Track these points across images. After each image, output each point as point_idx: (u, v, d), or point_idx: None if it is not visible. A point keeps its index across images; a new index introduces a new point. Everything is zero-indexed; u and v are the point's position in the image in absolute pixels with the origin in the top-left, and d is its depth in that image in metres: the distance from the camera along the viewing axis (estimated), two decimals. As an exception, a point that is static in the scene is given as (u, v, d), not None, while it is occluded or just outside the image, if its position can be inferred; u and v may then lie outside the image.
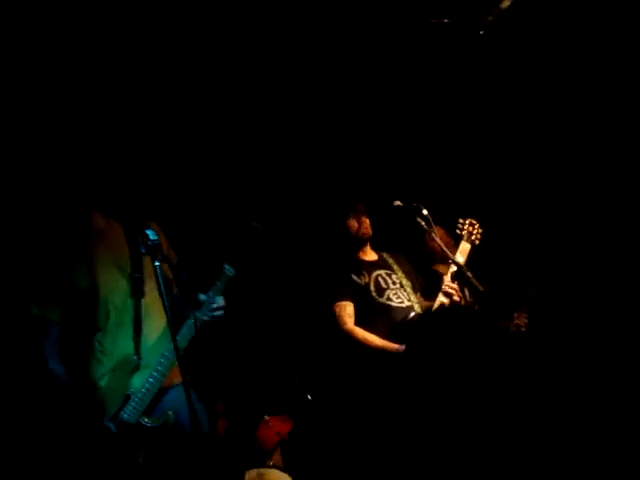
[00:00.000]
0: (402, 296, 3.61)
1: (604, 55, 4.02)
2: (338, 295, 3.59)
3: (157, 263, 2.44)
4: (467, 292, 3.85)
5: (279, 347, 4.43)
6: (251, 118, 4.32)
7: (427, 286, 3.77)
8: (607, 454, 3.72)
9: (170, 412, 2.70)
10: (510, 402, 3.54)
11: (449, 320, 3.46)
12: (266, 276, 4.28)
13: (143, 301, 2.77)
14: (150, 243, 2.44)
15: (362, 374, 3.47)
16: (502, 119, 4.50)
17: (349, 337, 3.50)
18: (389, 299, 3.58)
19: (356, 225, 3.70)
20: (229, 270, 2.84)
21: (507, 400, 3.52)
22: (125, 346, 2.73)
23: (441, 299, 3.49)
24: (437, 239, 3.60)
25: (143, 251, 2.56)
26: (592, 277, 4.27)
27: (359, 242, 3.72)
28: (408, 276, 3.73)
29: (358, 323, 3.54)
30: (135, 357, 2.72)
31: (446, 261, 3.69)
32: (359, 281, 3.61)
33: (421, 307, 3.60)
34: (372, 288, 3.60)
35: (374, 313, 3.55)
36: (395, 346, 3.44)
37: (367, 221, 3.70)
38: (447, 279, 3.54)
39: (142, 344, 2.74)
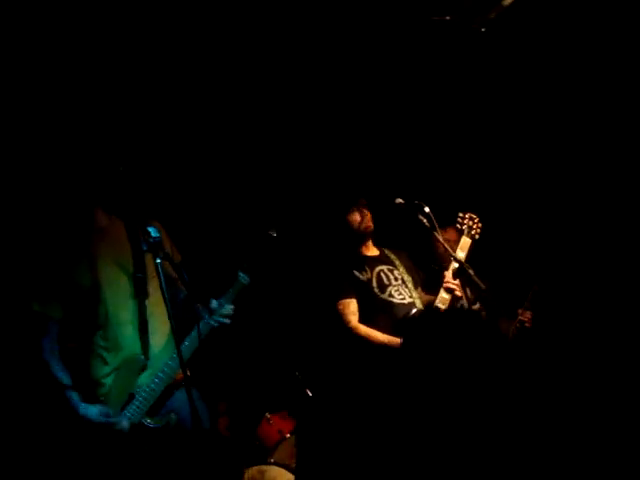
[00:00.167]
0: (404, 292, 3.61)
1: (606, 52, 4.01)
2: (341, 293, 3.58)
3: (158, 260, 2.44)
4: (468, 290, 3.85)
5: (281, 345, 4.43)
6: (251, 118, 4.32)
7: (428, 282, 3.76)
8: (610, 452, 3.72)
9: (172, 414, 2.70)
10: (510, 402, 3.54)
11: (449, 319, 3.45)
12: (274, 279, 4.27)
13: (147, 302, 2.78)
14: (151, 240, 2.45)
15: (368, 371, 3.46)
16: (504, 116, 4.50)
17: (353, 334, 3.50)
18: (391, 295, 3.57)
19: (358, 219, 3.69)
20: (243, 278, 2.85)
21: (507, 400, 3.51)
22: (131, 345, 2.74)
23: (442, 295, 3.48)
24: (440, 238, 3.59)
25: (145, 248, 2.56)
26: (594, 273, 4.26)
27: (361, 237, 3.72)
28: (409, 272, 3.72)
29: (361, 320, 3.53)
30: (142, 357, 2.73)
31: (448, 259, 3.68)
32: (361, 277, 3.60)
33: (422, 303, 3.60)
34: (374, 284, 3.60)
35: (376, 310, 3.55)
36: (399, 341, 3.44)
37: (369, 215, 3.69)
38: (448, 275, 3.53)
39: (149, 344, 2.75)
